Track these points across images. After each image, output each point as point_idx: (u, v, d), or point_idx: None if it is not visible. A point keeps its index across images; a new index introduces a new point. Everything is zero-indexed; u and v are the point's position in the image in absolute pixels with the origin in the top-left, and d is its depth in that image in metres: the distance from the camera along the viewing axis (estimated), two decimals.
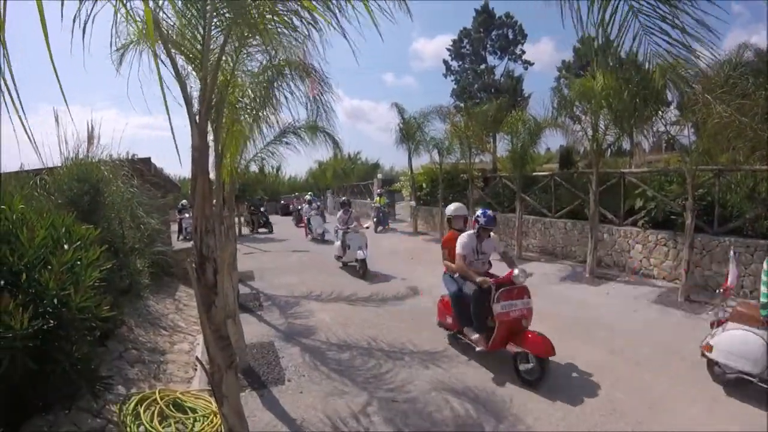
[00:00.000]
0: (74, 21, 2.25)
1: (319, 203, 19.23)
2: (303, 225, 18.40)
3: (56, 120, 5.13)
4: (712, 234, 7.73)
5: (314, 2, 2.75)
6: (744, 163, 7.78)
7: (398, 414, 4.08)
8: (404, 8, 2.76)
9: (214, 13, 2.68)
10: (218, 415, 3.60)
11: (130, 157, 6.67)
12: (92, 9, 2.33)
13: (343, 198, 13.55)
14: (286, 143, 7.39)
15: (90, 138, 5.49)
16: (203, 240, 2.85)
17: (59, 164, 5.22)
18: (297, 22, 3.12)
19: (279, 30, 3.28)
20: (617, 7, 2.27)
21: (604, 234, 9.68)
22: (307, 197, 20.00)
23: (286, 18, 3.03)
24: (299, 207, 22.16)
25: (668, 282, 8.24)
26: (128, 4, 2.58)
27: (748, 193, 7.62)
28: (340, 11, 2.71)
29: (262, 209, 20.79)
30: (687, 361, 4.93)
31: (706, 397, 4.19)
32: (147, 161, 7.83)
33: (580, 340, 5.65)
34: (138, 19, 2.76)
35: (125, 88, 3.44)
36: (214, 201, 4.55)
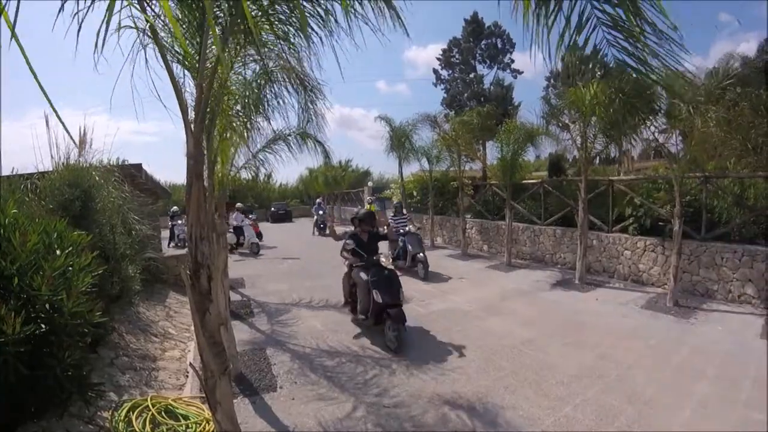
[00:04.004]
0: (78, 26, 2.26)
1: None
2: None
3: (47, 124, 5.11)
4: (700, 240, 7.85)
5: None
6: (731, 170, 7.92)
7: (389, 419, 4.08)
8: (396, 16, 2.81)
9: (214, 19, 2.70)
10: (210, 422, 3.58)
11: (121, 163, 6.64)
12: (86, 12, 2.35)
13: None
14: (277, 151, 7.37)
15: (81, 143, 5.46)
16: (198, 247, 2.85)
17: (50, 168, 5.18)
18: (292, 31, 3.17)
19: (272, 40, 3.32)
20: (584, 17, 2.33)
21: (593, 241, 9.78)
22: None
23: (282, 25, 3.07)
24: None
25: (657, 287, 8.34)
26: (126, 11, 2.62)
27: (736, 200, 7.75)
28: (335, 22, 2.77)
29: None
30: (676, 365, 5.00)
31: (696, 400, 4.24)
32: (138, 167, 7.78)
33: (570, 345, 5.71)
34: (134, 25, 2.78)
35: (118, 93, 3.44)
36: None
